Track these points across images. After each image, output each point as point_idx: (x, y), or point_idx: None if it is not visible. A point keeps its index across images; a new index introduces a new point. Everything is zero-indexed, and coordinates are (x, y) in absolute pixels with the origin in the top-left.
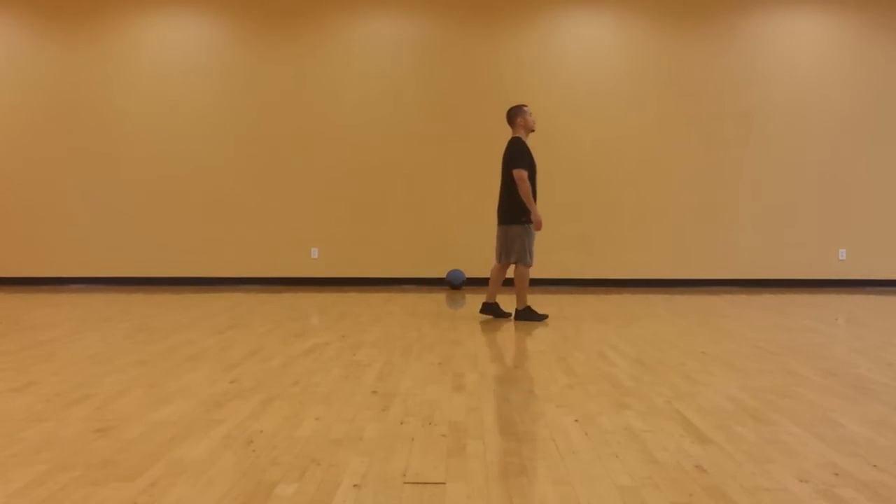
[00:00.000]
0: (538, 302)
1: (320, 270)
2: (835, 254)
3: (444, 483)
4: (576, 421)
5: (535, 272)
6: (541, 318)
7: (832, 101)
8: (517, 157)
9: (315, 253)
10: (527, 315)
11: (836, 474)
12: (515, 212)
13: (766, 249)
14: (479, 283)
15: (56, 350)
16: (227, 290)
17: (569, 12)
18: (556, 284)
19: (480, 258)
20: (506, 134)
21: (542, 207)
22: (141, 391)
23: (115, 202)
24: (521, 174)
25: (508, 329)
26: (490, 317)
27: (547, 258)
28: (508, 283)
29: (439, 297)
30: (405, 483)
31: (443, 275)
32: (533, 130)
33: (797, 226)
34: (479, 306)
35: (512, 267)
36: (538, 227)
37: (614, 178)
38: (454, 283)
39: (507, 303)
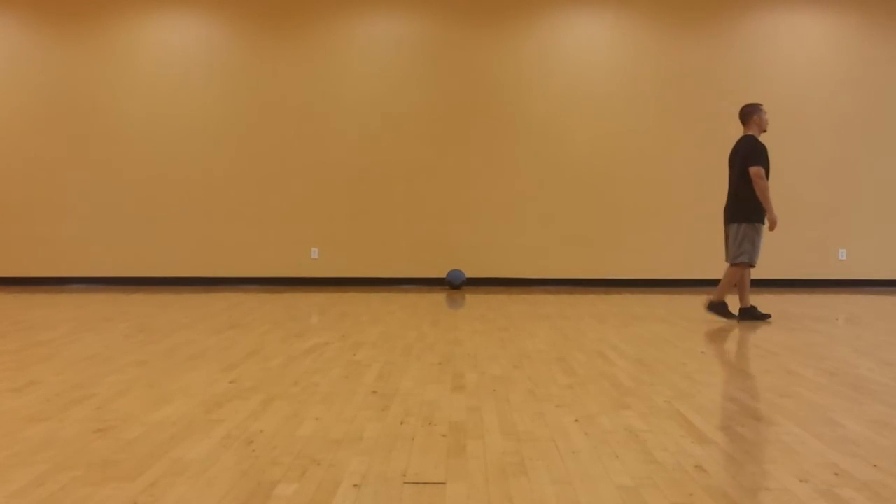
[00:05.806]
0: (541, 301)
1: (320, 270)
2: (835, 254)
3: (444, 483)
4: (576, 421)
5: (536, 272)
6: (764, 317)
7: (832, 100)
8: (754, 154)
9: (315, 253)
10: (750, 314)
11: (836, 474)
12: (747, 210)
13: (766, 249)
14: (479, 283)
15: (56, 350)
16: (227, 290)
17: (569, 12)
18: (556, 284)
19: (480, 258)
20: (502, 135)
21: (544, 206)
22: (141, 391)
23: (115, 202)
24: (759, 171)
25: (508, 329)
26: (716, 317)
27: (547, 258)
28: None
29: (439, 297)
30: (405, 483)
31: (443, 275)
32: (765, 130)
33: (797, 226)
34: (707, 304)
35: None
36: (773, 227)
37: (614, 178)
38: (454, 283)
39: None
